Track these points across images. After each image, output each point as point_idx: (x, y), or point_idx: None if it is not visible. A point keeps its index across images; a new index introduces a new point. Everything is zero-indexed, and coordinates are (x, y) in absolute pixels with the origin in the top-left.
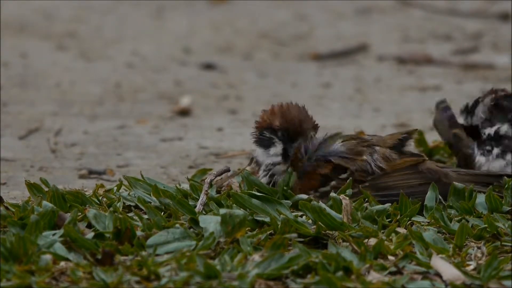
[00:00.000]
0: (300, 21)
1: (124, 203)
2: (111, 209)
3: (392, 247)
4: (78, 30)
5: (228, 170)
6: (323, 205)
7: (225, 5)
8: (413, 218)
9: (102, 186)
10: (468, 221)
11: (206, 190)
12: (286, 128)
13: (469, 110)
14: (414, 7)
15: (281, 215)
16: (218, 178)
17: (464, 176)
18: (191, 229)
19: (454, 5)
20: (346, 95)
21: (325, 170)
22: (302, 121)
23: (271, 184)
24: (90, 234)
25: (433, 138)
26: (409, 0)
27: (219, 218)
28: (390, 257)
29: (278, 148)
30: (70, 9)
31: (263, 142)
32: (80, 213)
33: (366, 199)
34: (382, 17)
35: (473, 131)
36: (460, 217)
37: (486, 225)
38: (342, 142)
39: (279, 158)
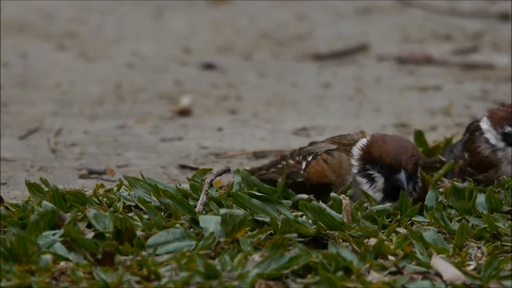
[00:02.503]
0: (300, 21)
1: (124, 203)
2: (111, 209)
3: (392, 247)
4: (78, 30)
5: (228, 170)
6: (323, 205)
7: (225, 5)
8: (413, 218)
9: (102, 186)
10: (468, 221)
11: (206, 190)
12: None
13: None
14: (414, 7)
15: (281, 215)
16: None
17: None
18: (191, 229)
19: (454, 5)
20: (346, 95)
21: None
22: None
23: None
24: (90, 234)
25: (433, 138)
26: (409, 0)
27: (219, 218)
28: (390, 257)
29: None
30: (70, 9)
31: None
32: (80, 213)
33: (366, 199)
34: (382, 17)
35: None
36: (460, 217)
37: (486, 225)
38: None
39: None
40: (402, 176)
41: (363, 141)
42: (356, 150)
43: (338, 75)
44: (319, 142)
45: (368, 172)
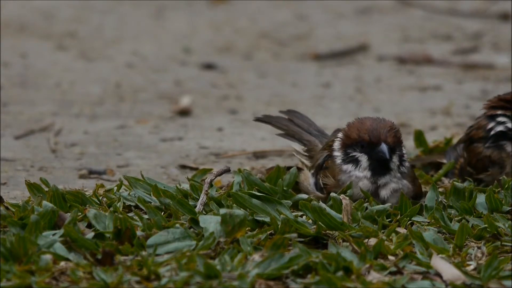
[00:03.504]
0: (300, 21)
1: (124, 203)
2: (111, 209)
3: (392, 247)
4: (78, 30)
5: (228, 170)
6: (323, 205)
7: (225, 5)
8: (413, 218)
9: (102, 186)
10: (468, 221)
11: (206, 190)
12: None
13: None
14: (414, 7)
15: (281, 215)
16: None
17: None
18: (191, 229)
19: (454, 5)
20: (346, 95)
21: None
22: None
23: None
24: (90, 234)
25: (433, 138)
26: (409, 0)
27: (219, 218)
28: (390, 257)
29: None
30: (70, 9)
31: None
32: (80, 213)
33: (366, 199)
34: (382, 17)
35: None
36: (460, 217)
37: (486, 225)
38: None
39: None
40: (383, 147)
41: (342, 132)
42: (336, 143)
43: (338, 75)
44: (318, 150)
45: (351, 155)
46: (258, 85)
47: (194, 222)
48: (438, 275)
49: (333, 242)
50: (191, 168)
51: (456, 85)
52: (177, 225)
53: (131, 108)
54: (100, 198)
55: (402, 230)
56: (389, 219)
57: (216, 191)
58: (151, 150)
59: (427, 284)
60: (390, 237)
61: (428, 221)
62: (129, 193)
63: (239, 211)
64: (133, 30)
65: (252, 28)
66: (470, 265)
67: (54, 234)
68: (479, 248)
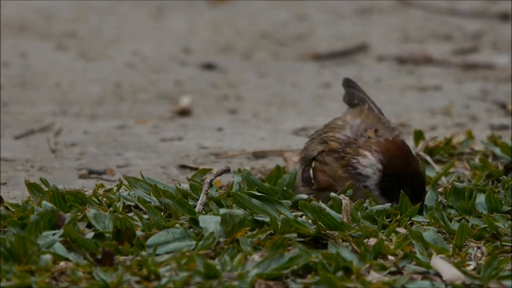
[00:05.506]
0: (300, 21)
1: (124, 203)
2: (111, 209)
3: (392, 247)
4: (78, 30)
5: (228, 170)
6: (323, 205)
7: (225, 5)
8: (413, 218)
9: (102, 186)
10: (468, 221)
11: (206, 190)
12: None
13: None
14: (414, 7)
15: (281, 215)
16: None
17: None
18: (191, 229)
19: (454, 5)
20: None
21: None
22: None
23: None
24: (90, 234)
25: (431, 136)
26: (409, 0)
27: (219, 218)
28: (390, 257)
29: None
30: (70, 9)
31: None
32: (80, 213)
33: (366, 199)
34: (382, 17)
35: None
36: (460, 217)
37: (486, 225)
38: None
39: None
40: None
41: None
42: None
43: (338, 75)
44: (312, 142)
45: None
46: (258, 85)
47: (194, 222)
48: (438, 275)
49: (333, 242)
50: (191, 168)
51: (456, 85)
52: (177, 225)
53: (131, 108)
54: (100, 198)
55: (402, 230)
56: (389, 219)
57: (216, 191)
58: (151, 150)
59: (427, 284)
60: (390, 237)
61: (428, 221)
62: (129, 193)
63: (239, 211)
64: (133, 30)
65: (252, 28)
66: (470, 265)
67: (54, 234)
68: (479, 248)
